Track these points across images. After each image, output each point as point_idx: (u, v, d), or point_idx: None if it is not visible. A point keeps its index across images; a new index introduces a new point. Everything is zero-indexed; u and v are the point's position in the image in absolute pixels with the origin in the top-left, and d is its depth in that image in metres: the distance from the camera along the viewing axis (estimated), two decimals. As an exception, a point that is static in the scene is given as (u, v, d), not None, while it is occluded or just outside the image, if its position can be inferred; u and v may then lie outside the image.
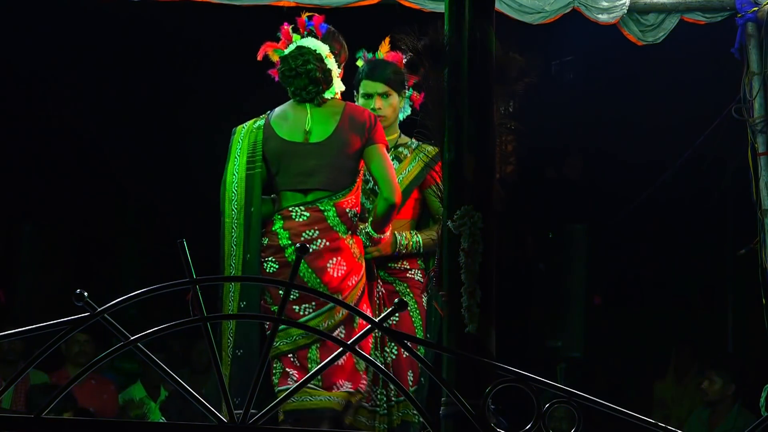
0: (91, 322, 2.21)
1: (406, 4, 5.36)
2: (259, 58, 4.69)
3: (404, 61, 4.68)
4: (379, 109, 4.75)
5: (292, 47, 4.59)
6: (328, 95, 4.55)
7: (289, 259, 4.36)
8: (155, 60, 7.99)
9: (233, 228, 4.56)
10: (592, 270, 9.07)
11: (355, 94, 4.86)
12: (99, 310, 2.19)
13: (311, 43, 4.57)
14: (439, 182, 4.29)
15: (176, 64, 8.11)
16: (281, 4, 5.31)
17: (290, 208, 4.45)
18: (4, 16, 6.71)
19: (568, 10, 5.53)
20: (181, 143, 8.84)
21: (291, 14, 5.41)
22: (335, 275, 4.39)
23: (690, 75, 7.12)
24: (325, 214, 4.43)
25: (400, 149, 4.88)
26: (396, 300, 2.34)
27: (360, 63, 4.87)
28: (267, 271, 4.43)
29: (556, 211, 9.13)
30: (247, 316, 4.92)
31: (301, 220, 4.42)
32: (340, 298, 4.32)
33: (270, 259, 4.44)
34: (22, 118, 8.26)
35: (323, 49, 4.55)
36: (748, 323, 8.18)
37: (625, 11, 5.55)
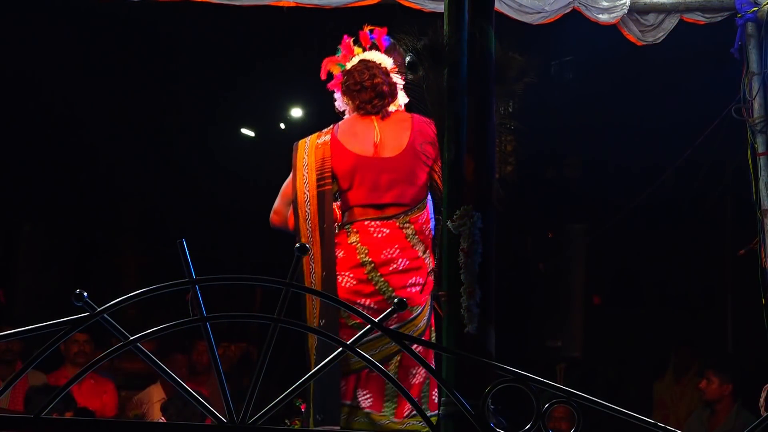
0: (91, 322, 2.21)
1: (406, 4, 5.36)
2: (322, 77, 4.62)
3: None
4: None
5: (354, 60, 4.55)
6: (392, 108, 4.52)
7: (369, 276, 4.31)
8: (155, 60, 7.99)
9: (310, 246, 4.40)
10: (592, 270, 9.08)
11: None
12: (98, 310, 2.19)
13: (376, 56, 4.54)
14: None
15: (176, 64, 8.12)
16: (281, 4, 5.31)
17: (366, 222, 4.38)
18: (3, 16, 6.71)
19: (568, 10, 5.54)
20: (182, 143, 8.86)
21: (291, 14, 5.42)
22: (412, 291, 4.34)
23: (690, 75, 7.12)
24: (405, 231, 4.38)
25: None
26: (396, 300, 2.34)
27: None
28: (343, 285, 4.33)
29: (556, 211, 9.14)
30: (246, 316, 4.90)
31: (379, 236, 4.37)
32: (418, 313, 4.32)
33: (347, 273, 4.35)
34: (22, 118, 8.27)
35: (388, 62, 4.54)
36: (748, 323, 8.18)
37: (625, 11, 5.56)
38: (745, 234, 5.87)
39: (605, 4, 5.55)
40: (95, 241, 9.92)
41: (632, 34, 5.64)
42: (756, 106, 5.50)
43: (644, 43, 5.68)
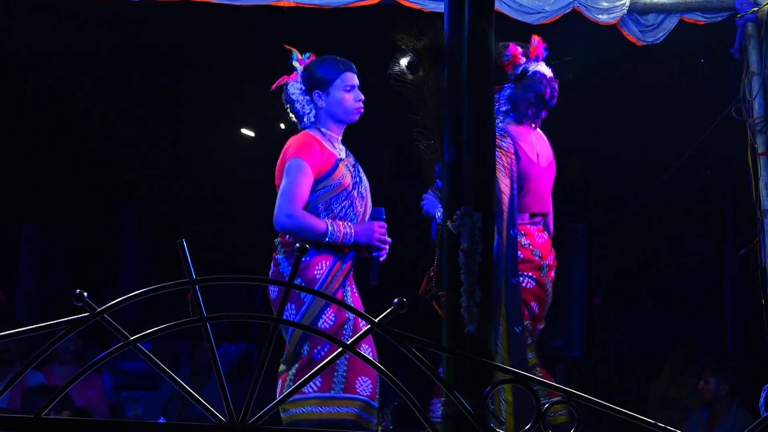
0: (91, 322, 2.20)
1: (406, 4, 5.35)
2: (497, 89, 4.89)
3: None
4: (362, 100, 4.79)
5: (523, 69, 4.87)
6: None
7: (546, 280, 4.79)
8: (155, 60, 7.99)
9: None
10: (592, 270, 9.08)
11: (316, 92, 4.76)
12: (98, 310, 2.19)
13: (544, 69, 4.94)
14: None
15: (176, 64, 8.11)
16: (281, 4, 5.31)
17: (528, 227, 4.87)
18: (3, 16, 6.71)
19: (568, 11, 5.54)
20: (182, 143, 8.85)
21: (291, 14, 5.41)
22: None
23: (689, 75, 7.12)
24: (550, 239, 4.95)
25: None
26: (395, 300, 2.33)
27: (297, 65, 4.82)
28: (524, 286, 4.74)
29: (556, 211, 9.13)
30: (245, 316, 4.91)
31: (542, 241, 4.91)
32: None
33: (528, 274, 4.75)
34: (22, 118, 8.27)
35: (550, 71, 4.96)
36: (748, 323, 8.19)
37: (625, 11, 5.55)
38: (745, 234, 5.87)
39: (605, 4, 5.54)
40: (95, 241, 9.92)
41: (632, 34, 5.64)
42: (756, 106, 5.49)
43: (644, 44, 5.68)
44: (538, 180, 4.93)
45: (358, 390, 4.52)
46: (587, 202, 8.67)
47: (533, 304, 4.79)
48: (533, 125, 5.03)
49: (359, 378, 4.53)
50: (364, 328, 2.37)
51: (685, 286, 9.97)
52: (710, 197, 8.40)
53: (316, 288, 4.47)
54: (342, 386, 4.48)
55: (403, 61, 4.62)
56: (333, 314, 4.53)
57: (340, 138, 4.82)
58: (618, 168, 8.41)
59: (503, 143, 4.45)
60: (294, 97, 4.78)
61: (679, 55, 6.36)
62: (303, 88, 4.78)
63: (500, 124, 4.77)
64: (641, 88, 7.67)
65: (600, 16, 5.55)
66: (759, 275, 5.38)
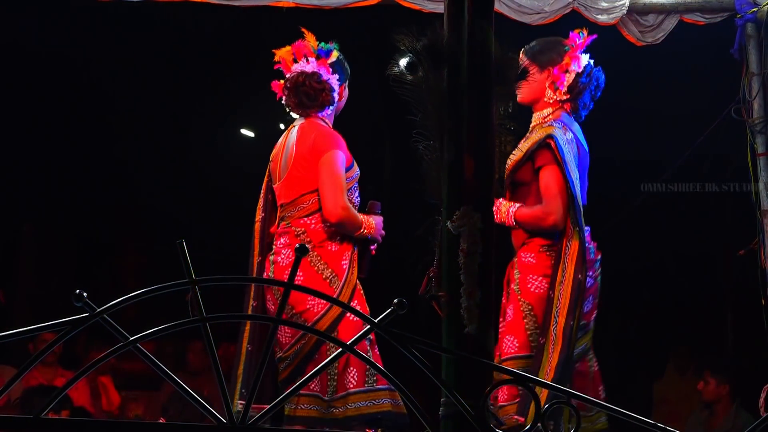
0: (91, 323, 2.20)
1: (406, 4, 5.36)
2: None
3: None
4: None
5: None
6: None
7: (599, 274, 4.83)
8: (155, 60, 7.99)
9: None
10: (592, 270, 9.05)
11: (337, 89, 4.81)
12: (98, 310, 2.19)
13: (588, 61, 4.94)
14: None
15: (176, 64, 8.11)
16: (281, 4, 5.32)
17: None
18: (4, 16, 6.71)
19: (567, 11, 5.54)
20: (182, 143, 8.85)
21: (291, 14, 5.42)
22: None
23: (689, 76, 7.12)
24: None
25: None
26: (395, 300, 2.33)
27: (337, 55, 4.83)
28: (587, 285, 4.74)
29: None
30: (246, 316, 4.92)
31: (588, 235, 4.92)
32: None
33: (589, 273, 4.74)
34: (22, 118, 8.26)
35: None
36: (748, 324, 8.18)
37: (625, 12, 5.56)
38: (745, 234, 5.87)
39: (604, 4, 5.55)
40: (96, 241, 9.91)
41: (632, 34, 5.64)
42: (755, 106, 5.50)
43: (644, 44, 5.68)
44: (583, 172, 4.95)
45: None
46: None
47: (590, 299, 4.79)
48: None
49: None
50: (365, 329, 2.37)
51: (684, 286, 9.96)
52: (710, 197, 8.39)
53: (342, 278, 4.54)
54: (375, 378, 4.49)
55: (403, 62, 4.62)
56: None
57: None
58: (617, 168, 8.40)
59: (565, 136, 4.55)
60: (332, 84, 4.78)
61: (678, 55, 6.36)
62: (339, 78, 4.79)
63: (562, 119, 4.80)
64: (640, 88, 7.66)
65: (599, 16, 5.55)
66: (759, 276, 5.38)
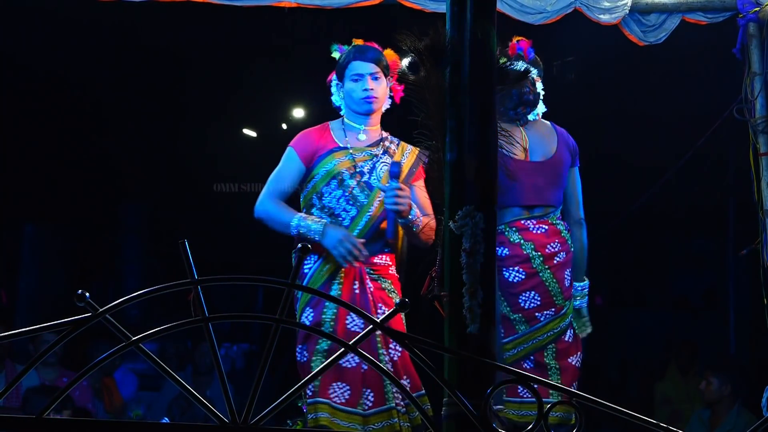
0: (93, 323, 2.20)
1: (407, 4, 5.35)
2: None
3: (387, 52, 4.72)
4: (372, 90, 4.64)
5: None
6: (531, 117, 4.90)
7: (539, 270, 4.71)
8: (156, 61, 7.99)
9: None
10: (594, 270, 9.06)
11: (336, 82, 4.75)
12: (101, 310, 2.19)
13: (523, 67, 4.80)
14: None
15: (177, 64, 8.12)
16: (281, 5, 5.31)
17: (523, 222, 4.74)
18: (4, 16, 6.71)
19: (569, 11, 5.54)
20: (183, 143, 8.85)
21: (291, 14, 5.42)
22: (569, 285, 4.87)
23: (691, 75, 7.12)
24: (559, 228, 4.84)
25: (385, 143, 4.77)
26: (397, 300, 2.33)
27: (336, 55, 4.78)
28: (511, 280, 4.67)
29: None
30: (247, 316, 4.91)
31: (540, 232, 4.77)
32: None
33: (516, 269, 4.68)
34: (23, 118, 8.27)
35: (533, 73, 4.87)
36: (750, 324, 8.18)
37: (627, 11, 5.55)
38: (747, 234, 5.87)
39: (607, 4, 5.54)
40: (97, 241, 9.92)
41: (634, 34, 5.64)
42: (758, 106, 5.49)
43: (646, 44, 5.67)
44: (527, 174, 4.80)
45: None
46: (588, 202, 8.66)
47: (526, 295, 4.74)
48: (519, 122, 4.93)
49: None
50: (367, 329, 2.37)
51: (687, 286, 9.97)
52: (712, 197, 8.39)
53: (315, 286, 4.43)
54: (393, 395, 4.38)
55: (405, 62, 4.62)
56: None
57: (366, 128, 4.72)
58: (619, 168, 8.41)
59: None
60: (332, 89, 4.78)
61: (680, 55, 6.36)
62: (336, 79, 4.78)
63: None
64: (642, 88, 7.67)
65: (601, 16, 5.55)
66: (761, 275, 5.38)
